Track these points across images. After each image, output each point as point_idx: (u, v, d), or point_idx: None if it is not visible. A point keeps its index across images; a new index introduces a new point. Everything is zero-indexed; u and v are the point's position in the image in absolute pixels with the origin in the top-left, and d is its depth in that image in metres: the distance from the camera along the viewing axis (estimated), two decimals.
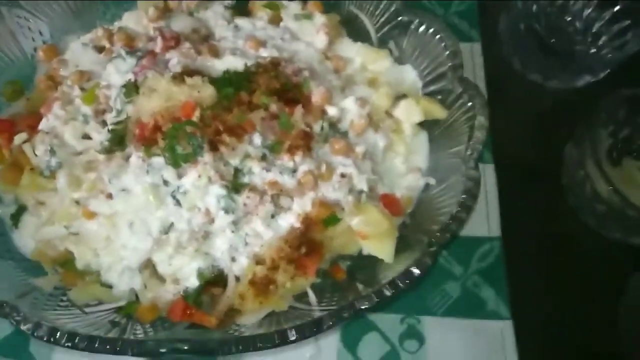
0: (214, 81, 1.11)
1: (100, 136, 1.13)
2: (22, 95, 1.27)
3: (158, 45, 1.21)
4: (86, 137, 1.15)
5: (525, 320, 1.20)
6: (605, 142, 1.37)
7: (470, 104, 1.14)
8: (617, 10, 1.46)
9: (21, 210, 1.15)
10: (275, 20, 1.35)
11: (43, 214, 1.13)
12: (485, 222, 1.29)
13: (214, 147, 1.05)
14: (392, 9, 1.29)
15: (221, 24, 1.32)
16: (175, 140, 1.02)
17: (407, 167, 1.23)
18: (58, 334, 0.87)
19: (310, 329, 0.91)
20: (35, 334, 0.88)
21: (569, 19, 1.56)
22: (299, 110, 1.12)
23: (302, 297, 1.09)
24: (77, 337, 0.87)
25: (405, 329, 1.18)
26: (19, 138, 1.15)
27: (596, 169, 1.20)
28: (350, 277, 1.13)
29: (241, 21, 1.32)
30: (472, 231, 1.27)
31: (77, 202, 1.09)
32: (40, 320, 0.89)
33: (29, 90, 1.29)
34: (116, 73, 1.17)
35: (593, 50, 1.50)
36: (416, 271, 0.96)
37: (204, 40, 1.29)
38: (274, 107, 1.10)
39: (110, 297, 1.07)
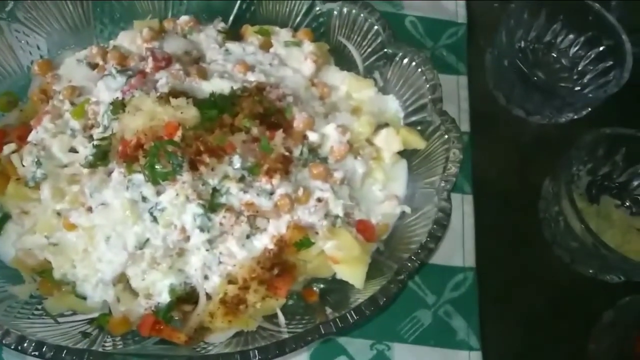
0: (199, 103, 1.14)
1: (86, 150, 1.16)
2: (15, 106, 1.30)
3: (149, 65, 1.25)
4: (73, 150, 1.19)
5: (495, 352, 1.22)
6: (584, 179, 1.40)
7: (446, 136, 1.17)
8: (602, 50, 1.50)
9: (5, 218, 1.18)
10: (266, 46, 1.39)
11: (26, 223, 1.16)
12: (460, 252, 1.31)
13: (193, 167, 1.08)
14: (379, 40, 1.33)
15: (213, 47, 1.36)
16: (155, 158, 1.05)
17: (385, 194, 1.26)
18: (26, 343, 0.89)
19: (274, 352, 0.93)
20: (3, 342, 0.90)
21: (556, 55, 1.60)
22: (279, 134, 1.15)
23: (272, 317, 1.11)
24: (45, 347, 0.89)
25: (375, 355, 1.19)
26: (7, 148, 1.18)
27: (570, 206, 1.22)
28: (322, 300, 1.15)
29: (232, 45, 1.36)
30: (447, 260, 1.29)
31: (59, 214, 1.12)
32: (10, 328, 0.91)
33: (24, 101, 1.33)
34: (106, 90, 1.21)
35: (577, 88, 1.54)
36: (381, 299, 0.98)
37: (195, 62, 1.33)
38: (255, 131, 1.13)
39: (84, 308, 1.09)
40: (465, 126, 1.46)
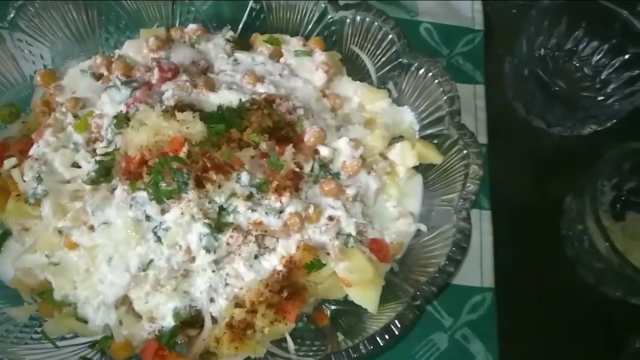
0: (206, 117, 1.10)
1: (89, 165, 1.12)
2: (18, 118, 1.27)
3: (155, 76, 1.21)
4: (75, 165, 1.14)
5: None
6: (609, 195, 1.33)
7: (465, 152, 1.11)
8: (627, 58, 1.44)
9: (5, 235, 1.14)
10: (276, 55, 1.34)
11: (27, 240, 1.12)
12: (478, 271, 1.25)
13: (199, 184, 1.03)
14: (393, 49, 1.28)
15: (221, 57, 1.31)
16: (159, 175, 1.01)
17: (399, 211, 1.20)
18: None
19: None
20: None
21: (578, 64, 1.53)
22: (289, 149, 1.10)
23: (281, 342, 1.06)
24: None
25: None
26: (8, 163, 1.14)
27: (595, 225, 1.16)
28: (334, 323, 1.10)
29: (241, 55, 1.32)
30: (464, 280, 1.23)
31: (60, 232, 1.08)
32: (5, 357, 0.86)
33: (27, 113, 1.29)
34: (110, 103, 1.16)
35: (600, 98, 1.47)
36: (397, 327, 0.92)
37: (203, 72, 1.28)
38: (264, 146, 1.08)
39: (85, 331, 1.05)
40: (482, 138, 1.40)
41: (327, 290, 1.10)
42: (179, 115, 1.06)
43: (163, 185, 1.01)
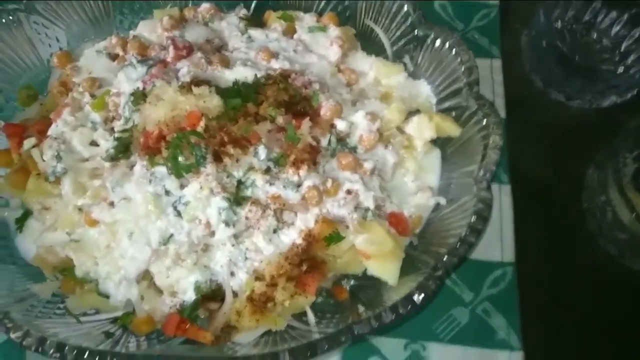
0: (223, 91, 1.09)
1: (107, 143, 1.13)
2: (36, 100, 1.28)
3: (170, 55, 1.21)
4: (94, 144, 1.15)
5: (538, 353, 1.14)
6: (631, 167, 1.30)
7: (485, 122, 1.10)
8: None
9: (26, 214, 1.15)
10: (290, 32, 1.33)
11: (47, 219, 1.13)
12: (498, 246, 1.23)
13: (217, 158, 1.03)
14: (408, 22, 1.26)
15: (235, 35, 1.31)
16: (178, 150, 1.01)
17: (418, 185, 1.19)
18: (47, 344, 0.85)
19: (305, 353, 0.88)
20: (23, 343, 0.86)
21: (596, 36, 1.50)
22: (306, 123, 1.09)
23: (301, 315, 1.06)
24: (66, 348, 0.85)
25: (410, 355, 1.13)
26: (28, 143, 1.15)
27: (619, 195, 1.14)
28: (353, 298, 1.09)
29: (255, 32, 1.31)
30: (485, 255, 1.22)
31: (80, 209, 1.08)
32: (30, 329, 0.87)
33: (44, 95, 1.30)
34: (126, 81, 1.16)
35: (621, 69, 1.44)
36: (419, 297, 0.91)
37: (217, 50, 1.28)
38: (280, 120, 1.08)
39: (107, 307, 1.05)
40: (500, 112, 1.38)
41: (346, 265, 1.09)
42: (195, 90, 1.06)
43: (181, 159, 1.01)
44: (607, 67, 1.46)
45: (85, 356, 0.86)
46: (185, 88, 1.07)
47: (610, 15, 1.46)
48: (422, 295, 0.92)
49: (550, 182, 1.35)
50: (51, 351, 0.85)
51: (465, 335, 1.15)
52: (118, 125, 1.14)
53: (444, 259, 0.98)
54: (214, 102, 1.05)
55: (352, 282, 1.13)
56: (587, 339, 1.16)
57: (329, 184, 1.08)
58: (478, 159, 1.09)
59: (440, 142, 1.22)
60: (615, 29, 1.47)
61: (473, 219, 0.99)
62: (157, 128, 1.04)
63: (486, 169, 1.05)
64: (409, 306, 0.91)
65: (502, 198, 1.28)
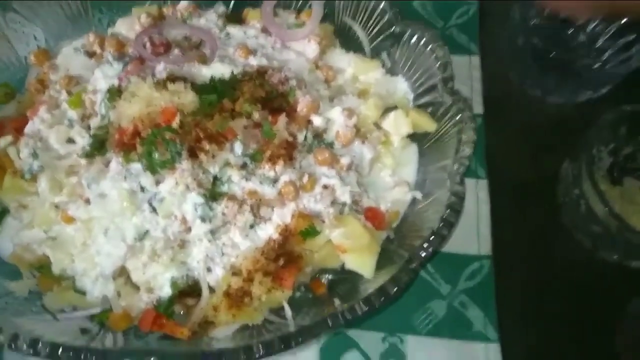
0: (199, 88, 1.10)
1: (84, 140, 1.13)
2: (13, 98, 1.28)
3: (147, 51, 1.21)
4: (70, 141, 1.15)
5: (514, 344, 1.15)
6: (606, 160, 1.32)
7: (459, 117, 1.11)
8: (623, 24, 1.42)
9: (3, 213, 1.15)
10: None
11: (24, 217, 1.13)
12: (475, 239, 1.25)
13: (193, 154, 1.04)
14: (386, 19, 1.27)
15: (213, 32, 1.31)
16: (152, 146, 1.01)
17: (395, 180, 1.20)
18: (19, 340, 0.85)
19: (279, 345, 0.88)
20: None
21: (572, 31, 1.52)
22: (282, 119, 1.10)
23: (279, 310, 1.06)
24: (39, 344, 0.85)
25: (387, 348, 1.14)
26: (4, 140, 1.15)
27: (592, 189, 1.15)
28: (330, 292, 1.10)
29: (233, 29, 1.32)
30: (462, 248, 1.23)
31: (57, 207, 1.09)
32: (3, 326, 0.87)
33: (22, 93, 1.30)
34: (103, 78, 1.17)
35: (597, 65, 1.45)
36: (392, 289, 0.92)
37: (195, 47, 1.28)
38: (256, 116, 1.09)
39: (84, 304, 1.05)
40: (478, 108, 1.39)
41: (323, 259, 1.10)
42: (170, 86, 1.06)
43: (156, 155, 1.01)
44: (583, 62, 1.48)
45: (59, 352, 0.86)
46: (161, 84, 1.08)
47: None
48: (396, 287, 0.93)
49: (527, 176, 1.36)
50: (24, 347, 0.85)
51: (443, 327, 1.16)
52: (94, 122, 1.14)
53: (418, 251, 0.98)
54: (189, 98, 1.05)
55: (330, 276, 1.14)
56: (563, 330, 1.18)
57: (305, 179, 1.09)
58: (452, 154, 1.10)
59: (417, 138, 1.23)
60: (592, 25, 1.48)
61: (446, 212, 1.00)
62: (132, 124, 1.04)
63: (460, 163, 1.06)
64: (383, 298, 0.92)
65: (479, 192, 1.30)
